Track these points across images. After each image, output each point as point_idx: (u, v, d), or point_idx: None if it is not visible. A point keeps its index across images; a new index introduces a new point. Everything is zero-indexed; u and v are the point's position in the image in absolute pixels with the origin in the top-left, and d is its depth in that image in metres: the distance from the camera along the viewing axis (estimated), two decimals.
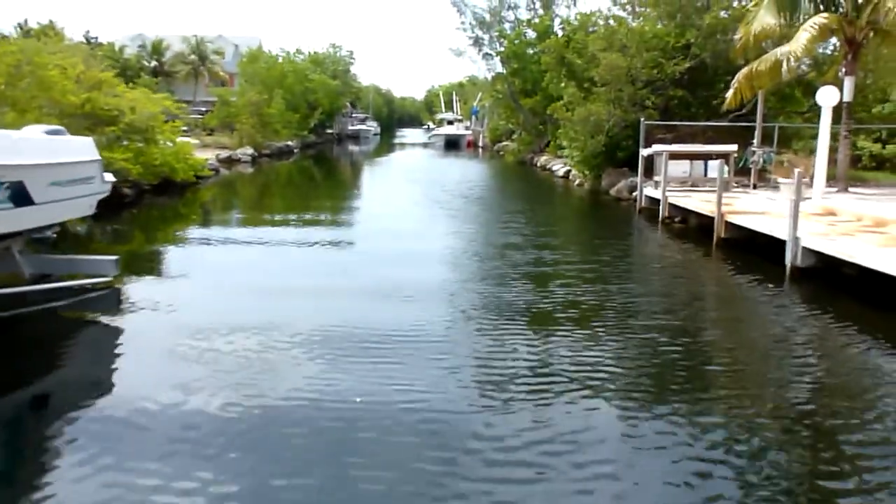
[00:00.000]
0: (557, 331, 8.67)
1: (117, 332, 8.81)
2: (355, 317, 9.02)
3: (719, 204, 14.40)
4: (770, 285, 11.27)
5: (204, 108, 50.97)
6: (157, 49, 69.16)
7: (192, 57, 69.52)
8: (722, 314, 10.29)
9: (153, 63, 68.51)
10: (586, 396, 6.61)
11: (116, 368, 7.57)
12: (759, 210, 14.90)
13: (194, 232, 17.42)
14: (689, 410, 6.31)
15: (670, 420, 6.09)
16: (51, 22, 60.74)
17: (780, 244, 12.03)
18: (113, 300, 10.09)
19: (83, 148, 10.34)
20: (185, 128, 42.93)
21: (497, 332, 8.52)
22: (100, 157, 10.67)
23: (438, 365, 7.33)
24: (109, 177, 11.21)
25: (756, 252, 13.20)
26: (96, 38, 68.75)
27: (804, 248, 11.38)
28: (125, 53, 64.86)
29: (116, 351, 8.09)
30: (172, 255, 14.15)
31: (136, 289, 10.65)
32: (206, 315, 9.24)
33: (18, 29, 61.15)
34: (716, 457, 5.46)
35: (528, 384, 6.85)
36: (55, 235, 10.75)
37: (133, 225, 18.50)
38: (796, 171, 11.64)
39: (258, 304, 9.91)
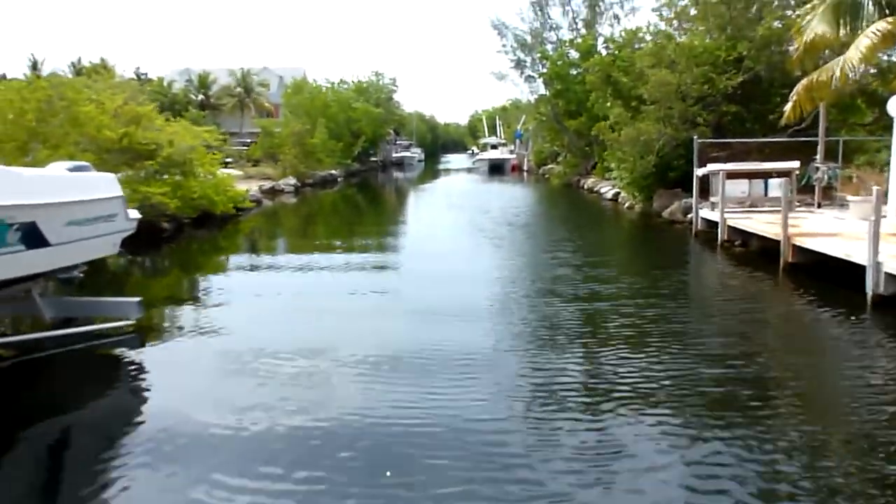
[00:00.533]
0: (618, 384, 7.74)
1: (162, 359, 9.07)
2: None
3: (785, 226, 13.29)
4: (850, 316, 10.14)
5: (249, 140, 51.31)
6: (203, 83, 70.41)
7: (238, 89, 70.61)
8: (800, 352, 9.18)
9: (200, 96, 69.73)
10: (648, 446, 5.76)
11: (170, 393, 7.81)
12: (830, 232, 13.74)
13: (234, 263, 17.25)
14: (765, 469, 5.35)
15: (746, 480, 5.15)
16: (102, 60, 62.53)
17: (857, 270, 10.92)
18: (136, 344, 9.54)
19: (104, 184, 9.86)
20: (229, 159, 43.64)
21: (551, 399, 7.46)
22: (122, 194, 10.18)
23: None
24: (134, 213, 10.73)
25: (829, 278, 12.05)
26: (146, 73, 70.53)
27: (887, 273, 10.25)
28: (173, 88, 66.19)
29: (167, 377, 8.36)
30: (212, 286, 14.32)
31: (180, 317, 11.19)
32: (250, 339, 9.52)
33: (72, 67, 63.00)
34: None
35: (591, 448, 5.97)
36: (81, 275, 10.27)
37: (172, 259, 18.21)
38: (875, 188, 10.53)
39: (299, 328, 10.30)
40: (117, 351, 9.33)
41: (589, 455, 5.92)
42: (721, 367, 8.04)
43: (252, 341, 9.38)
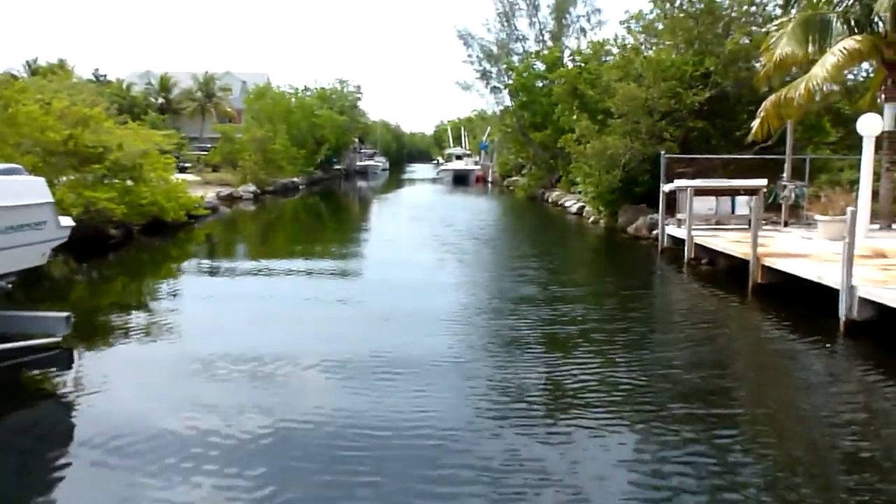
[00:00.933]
0: (581, 418, 7.18)
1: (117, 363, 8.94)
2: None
3: (755, 245, 12.93)
4: (822, 342, 9.75)
5: (210, 145, 50.12)
6: (164, 86, 69.06)
7: (199, 93, 69.41)
8: (770, 382, 8.74)
9: (160, 100, 68.42)
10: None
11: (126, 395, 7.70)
12: (799, 252, 13.43)
13: (184, 271, 16.78)
14: None
15: None
16: (60, 60, 60.73)
17: (828, 292, 10.56)
18: (64, 363, 8.73)
19: (31, 189, 9.02)
20: (187, 164, 42.51)
21: (511, 427, 6.86)
22: (52, 200, 9.35)
23: None
24: (67, 221, 9.89)
25: (799, 300, 11.68)
26: (105, 75, 68.79)
27: (860, 298, 9.88)
28: (133, 90, 64.75)
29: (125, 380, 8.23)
30: (159, 294, 13.95)
31: (121, 325, 10.83)
32: (197, 346, 9.40)
33: (27, 67, 61.08)
34: None
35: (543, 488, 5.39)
36: (10, 286, 9.41)
37: (116, 267, 17.31)
38: (849, 209, 10.18)
39: (251, 335, 10.10)
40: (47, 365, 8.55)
41: (534, 466, 5.88)
42: (685, 395, 7.59)
43: (199, 348, 9.25)
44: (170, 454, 6.03)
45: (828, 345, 9.68)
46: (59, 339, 8.95)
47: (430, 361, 8.73)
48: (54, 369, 8.48)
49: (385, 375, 8.16)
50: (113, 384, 8.01)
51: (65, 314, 9.01)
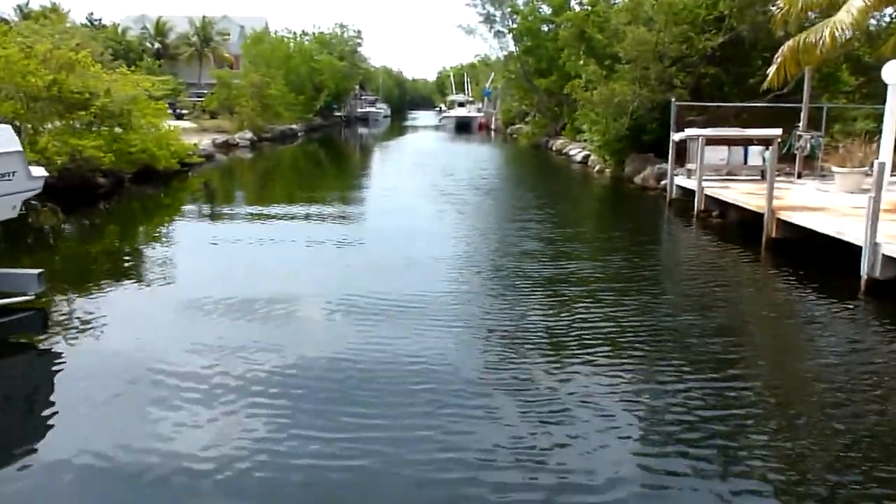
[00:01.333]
0: (582, 359, 6.66)
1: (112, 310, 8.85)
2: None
3: (770, 198, 12.28)
4: (842, 302, 9.19)
5: (207, 91, 48.98)
6: (160, 30, 67.37)
7: (196, 39, 67.72)
8: (785, 343, 8.23)
9: (156, 45, 66.74)
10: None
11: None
12: (815, 205, 12.78)
13: (178, 220, 16.40)
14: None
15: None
16: (53, 4, 59.05)
17: (847, 249, 10.00)
18: (37, 324, 8.21)
19: None
20: (184, 111, 41.53)
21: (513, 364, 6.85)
22: (20, 149, 8.69)
23: None
24: (39, 171, 9.25)
25: (815, 257, 11.11)
26: (100, 19, 67.04)
27: (885, 256, 9.29)
28: (128, 35, 63.07)
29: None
30: (153, 243, 13.80)
31: (112, 273, 10.88)
32: (205, 289, 9.39)
33: (18, 11, 59.46)
34: None
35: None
36: None
37: (107, 217, 16.75)
38: (876, 161, 9.53)
39: (253, 279, 10.25)
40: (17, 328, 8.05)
41: (543, 403, 6.02)
42: (694, 355, 7.16)
43: (198, 292, 9.29)
44: (173, 392, 6.18)
45: (847, 305, 9.13)
46: (32, 296, 8.41)
47: (432, 305, 8.81)
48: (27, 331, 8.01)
49: (387, 316, 8.30)
50: (109, 328, 8.01)
51: (37, 271, 8.44)
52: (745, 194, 14.29)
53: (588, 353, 7.18)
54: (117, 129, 19.19)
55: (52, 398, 6.36)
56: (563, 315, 8.47)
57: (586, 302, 9.10)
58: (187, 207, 18.62)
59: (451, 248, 12.45)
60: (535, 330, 7.90)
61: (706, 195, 15.50)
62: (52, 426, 5.74)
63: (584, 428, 5.57)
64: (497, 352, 7.26)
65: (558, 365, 6.85)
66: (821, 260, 10.94)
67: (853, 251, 9.87)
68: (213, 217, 17.04)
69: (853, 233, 10.00)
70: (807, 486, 4.88)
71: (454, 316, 8.43)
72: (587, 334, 7.74)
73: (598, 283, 10.28)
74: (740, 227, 14.05)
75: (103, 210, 17.21)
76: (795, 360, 7.45)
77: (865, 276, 9.46)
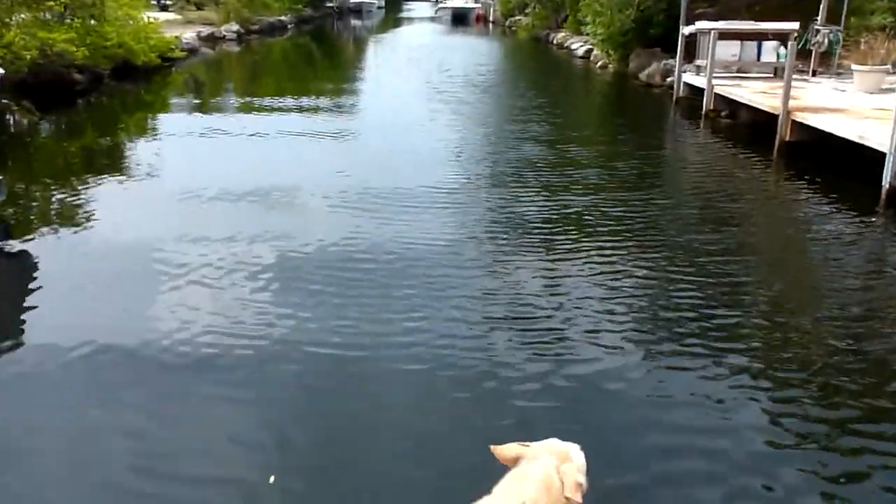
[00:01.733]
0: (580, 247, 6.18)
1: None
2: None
3: (786, 98, 11.51)
4: (860, 213, 8.63)
5: None
6: None
7: None
8: (796, 255, 7.72)
9: None
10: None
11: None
12: (833, 106, 12.01)
13: (161, 116, 15.99)
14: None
15: None
16: None
17: (868, 155, 9.36)
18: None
19: None
20: (168, 2, 39.50)
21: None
22: None
23: None
24: None
25: (831, 163, 10.47)
26: None
27: None
28: None
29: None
30: (137, 138, 13.58)
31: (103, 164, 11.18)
32: (196, 181, 9.44)
33: None
34: None
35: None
36: None
37: (86, 114, 16.02)
38: None
39: (245, 171, 10.24)
40: None
41: (530, 284, 6.30)
42: (697, 266, 6.78)
43: (188, 183, 9.34)
44: (164, 281, 6.25)
45: (865, 216, 8.57)
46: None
47: (428, 196, 8.92)
48: None
49: (384, 206, 8.44)
50: (95, 223, 8.02)
51: None
52: (757, 93, 13.48)
53: (586, 263, 6.84)
54: (91, 22, 18.05)
55: (34, 293, 6.16)
56: (566, 227, 7.95)
57: (590, 213, 8.53)
58: (172, 102, 18.12)
59: (445, 154, 11.73)
60: (533, 235, 7.39)
61: (716, 93, 14.67)
62: (40, 316, 5.69)
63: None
64: (493, 242, 7.47)
65: (558, 281, 6.37)
66: (837, 166, 10.31)
67: (872, 157, 9.23)
68: (200, 110, 16.55)
69: (877, 137, 9.32)
70: (822, 407, 4.47)
71: (450, 204, 8.70)
72: (586, 240, 7.26)
73: (599, 191, 9.63)
74: (751, 128, 13.33)
75: (81, 107, 16.41)
76: (809, 278, 6.94)
77: (887, 186, 8.83)
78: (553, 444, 2.63)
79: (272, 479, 3.80)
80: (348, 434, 4.22)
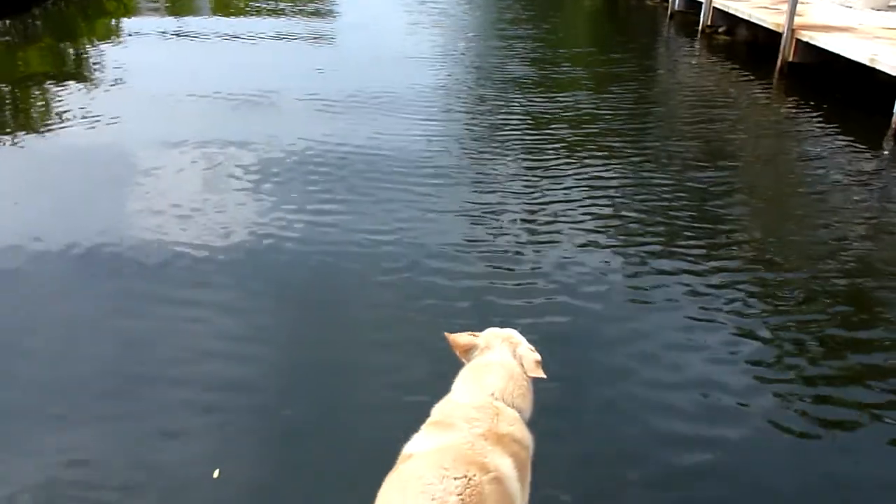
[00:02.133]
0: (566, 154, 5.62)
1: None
2: None
3: (791, 14, 10.68)
4: (869, 142, 8.06)
5: None
6: None
7: None
8: (797, 184, 7.15)
9: None
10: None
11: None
12: (838, 24, 11.20)
13: (124, 23, 15.02)
14: None
15: None
16: None
17: (876, 78, 8.71)
18: None
19: None
20: None
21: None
22: None
23: None
24: None
25: (836, 87, 9.80)
26: None
27: None
28: None
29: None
30: (107, 43, 12.95)
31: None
32: (174, 84, 9.30)
33: None
34: None
35: None
36: None
37: (44, 23, 14.91)
38: None
39: (225, 75, 10.08)
40: None
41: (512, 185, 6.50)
42: (696, 213, 6.18)
43: (166, 86, 9.22)
44: (142, 178, 6.36)
45: (874, 146, 7.99)
46: None
47: (411, 99, 9.11)
48: None
49: (369, 108, 8.61)
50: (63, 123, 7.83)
51: None
52: (759, 8, 12.60)
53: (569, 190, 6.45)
54: None
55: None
56: (547, 161, 7.29)
57: (581, 146, 7.86)
58: (139, 5, 16.84)
59: (425, 77, 10.84)
60: (515, 175, 6.76)
61: (714, 7, 13.75)
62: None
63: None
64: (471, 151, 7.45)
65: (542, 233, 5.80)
66: (843, 90, 9.65)
67: (882, 80, 8.62)
68: (169, 13, 16.03)
69: (889, 60, 8.62)
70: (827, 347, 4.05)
71: (434, 108, 8.94)
72: (570, 168, 6.70)
73: (587, 122, 8.90)
74: (751, 47, 12.56)
75: (38, 14, 15.26)
76: (810, 219, 6.34)
77: None
78: (496, 331, 2.72)
79: (216, 472, 3.32)
80: (324, 322, 4.49)
